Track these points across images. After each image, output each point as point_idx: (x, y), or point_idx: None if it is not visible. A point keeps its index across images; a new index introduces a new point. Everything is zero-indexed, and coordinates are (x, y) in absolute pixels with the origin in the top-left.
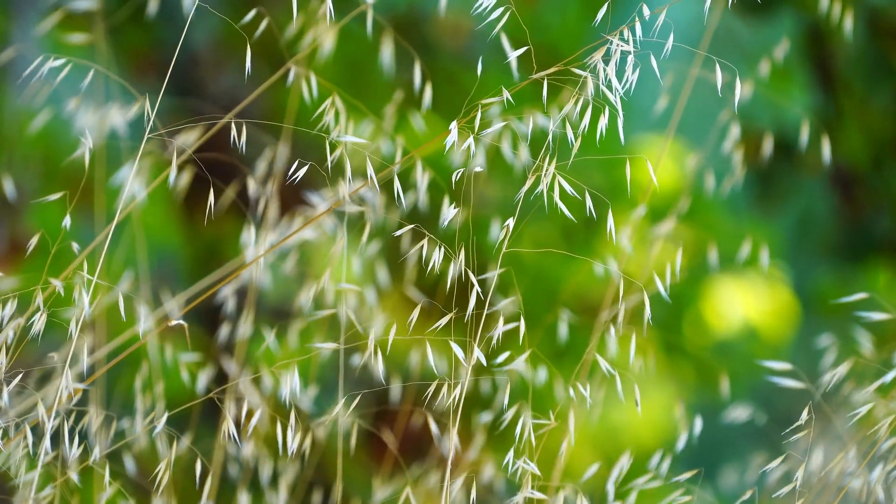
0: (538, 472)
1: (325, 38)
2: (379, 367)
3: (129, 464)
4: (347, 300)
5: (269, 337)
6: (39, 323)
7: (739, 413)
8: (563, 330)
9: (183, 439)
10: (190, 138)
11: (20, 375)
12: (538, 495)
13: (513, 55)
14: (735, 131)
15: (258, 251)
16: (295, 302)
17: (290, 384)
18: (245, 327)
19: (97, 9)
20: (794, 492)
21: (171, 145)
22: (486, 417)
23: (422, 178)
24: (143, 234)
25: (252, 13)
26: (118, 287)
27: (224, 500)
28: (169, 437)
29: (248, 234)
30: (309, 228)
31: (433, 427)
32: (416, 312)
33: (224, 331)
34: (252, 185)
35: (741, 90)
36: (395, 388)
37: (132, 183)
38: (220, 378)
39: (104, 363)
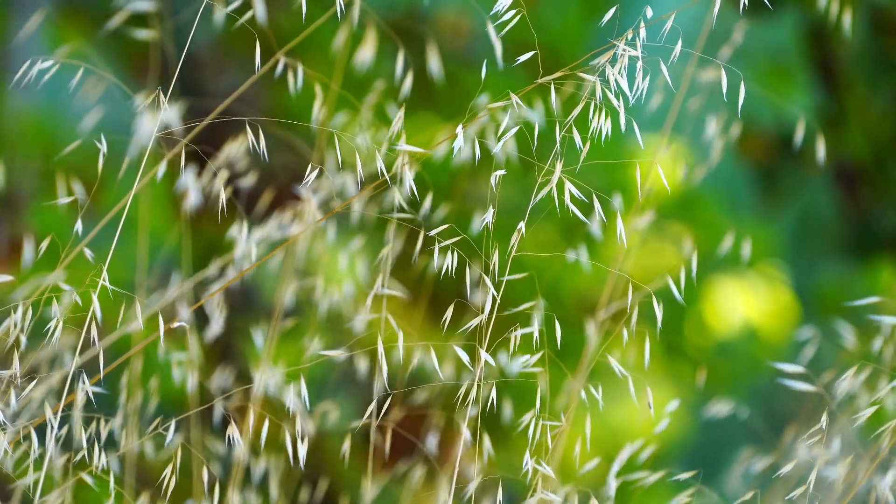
0: (552, 475)
1: (367, 48)
2: (383, 372)
3: (125, 464)
4: (346, 297)
5: (259, 337)
6: (30, 322)
7: (721, 409)
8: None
9: (185, 444)
10: (233, 150)
11: (12, 374)
12: (552, 497)
13: (520, 59)
14: (731, 129)
15: (250, 248)
16: (284, 298)
17: (298, 390)
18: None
19: (157, 9)
20: (806, 494)
21: (177, 145)
22: (490, 420)
23: (409, 177)
24: (147, 234)
25: (247, 14)
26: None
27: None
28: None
29: (240, 230)
30: (298, 224)
31: (465, 434)
32: (417, 314)
33: (214, 329)
34: (246, 181)
35: (742, 90)
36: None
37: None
38: (212, 375)
39: (108, 363)
